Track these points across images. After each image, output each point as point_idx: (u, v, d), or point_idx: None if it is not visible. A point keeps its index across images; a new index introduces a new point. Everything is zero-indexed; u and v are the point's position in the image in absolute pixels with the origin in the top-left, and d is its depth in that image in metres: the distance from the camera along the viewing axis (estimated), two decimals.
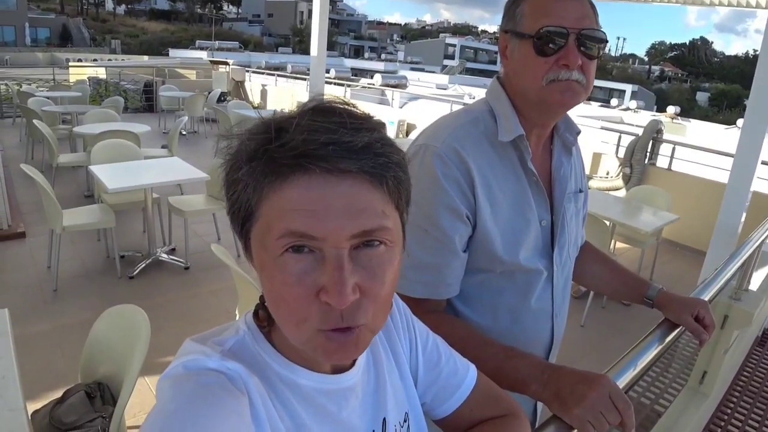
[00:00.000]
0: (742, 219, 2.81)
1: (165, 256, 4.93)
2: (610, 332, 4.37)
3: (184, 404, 0.52)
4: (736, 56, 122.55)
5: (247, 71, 17.24)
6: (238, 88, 16.27)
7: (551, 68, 1.05)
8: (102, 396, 2.09)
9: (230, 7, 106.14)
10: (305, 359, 0.65)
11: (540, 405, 1.31)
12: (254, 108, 12.69)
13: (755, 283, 3.14)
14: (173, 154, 6.72)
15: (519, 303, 1.20)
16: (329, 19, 5.69)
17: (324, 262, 0.55)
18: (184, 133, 11.29)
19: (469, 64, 58.79)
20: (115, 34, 74.92)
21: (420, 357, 0.83)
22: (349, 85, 16.44)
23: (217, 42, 44.57)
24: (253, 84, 16.42)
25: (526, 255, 1.16)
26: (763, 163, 2.96)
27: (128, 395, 1.91)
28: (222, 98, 13.34)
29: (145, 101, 14.37)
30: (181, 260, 4.90)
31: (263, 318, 0.66)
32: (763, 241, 2.39)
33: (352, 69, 31.00)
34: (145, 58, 28.68)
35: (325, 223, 0.54)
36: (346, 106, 0.59)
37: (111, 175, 4.49)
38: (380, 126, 0.60)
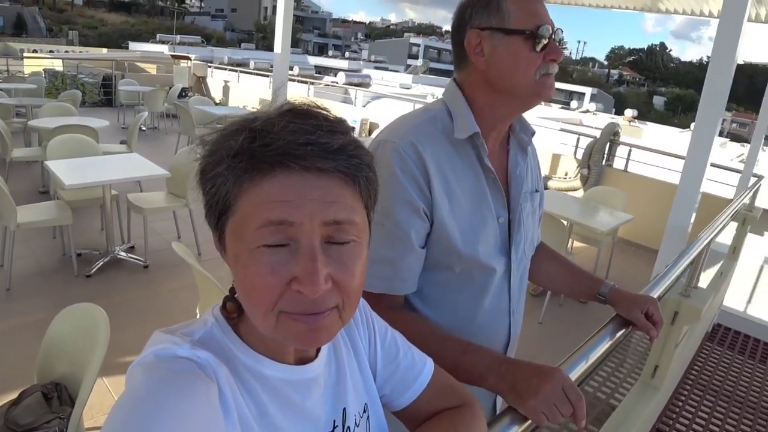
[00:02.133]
0: (692, 219, 2.91)
1: (123, 254, 4.84)
2: (567, 329, 4.47)
3: (154, 390, 0.54)
4: (691, 62, 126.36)
5: (210, 66, 17.00)
6: (200, 84, 16.04)
7: (542, 63, 1.11)
8: (59, 397, 2.05)
9: (193, 0, 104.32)
10: (271, 350, 0.68)
11: (500, 400, 1.35)
12: (216, 104, 12.53)
13: (704, 280, 3.25)
14: (132, 150, 6.58)
15: (477, 301, 1.23)
16: (294, 16, 5.67)
17: (298, 254, 0.58)
18: (143, 128, 11.08)
19: (433, 64, 59.04)
20: (73, 25, 72.88)
21: (379, 350, 0.86)
22: (312, 83, 16.35)
23: (178, 36, 43.71)
24: (216, 80, 16.20)
25: (484, 251, 1.19)
26: (713, 165, 3.07)
27: (87, 395, 1.88)
28: (183, 94, 13.13)
29: (104, 95, 14.03)
30: (140, 259, 4.82)
31: (232, 309, 0.68)
32: (711, 240, 2.49)
33: (316, 67, 30.81)
34: (104, 50, 27.93)
35: (302, 210, 0.57)
36: (321, 110, 0.64)
37: (68, 171, 4.38)
38: (351, 129, 0.65)
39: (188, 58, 17.50)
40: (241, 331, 0.68)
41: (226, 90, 15.40)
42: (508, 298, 1.28)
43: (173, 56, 19.06)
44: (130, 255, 4.88)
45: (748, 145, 6.97)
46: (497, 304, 1.27)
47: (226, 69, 18.00)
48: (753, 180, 5.84)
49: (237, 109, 10.82)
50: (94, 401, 2.82)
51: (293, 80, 15.90)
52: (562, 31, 1.14)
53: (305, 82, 15.87)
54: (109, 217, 4.73)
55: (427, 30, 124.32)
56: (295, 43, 69.27)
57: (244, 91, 14.87)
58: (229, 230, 0.62)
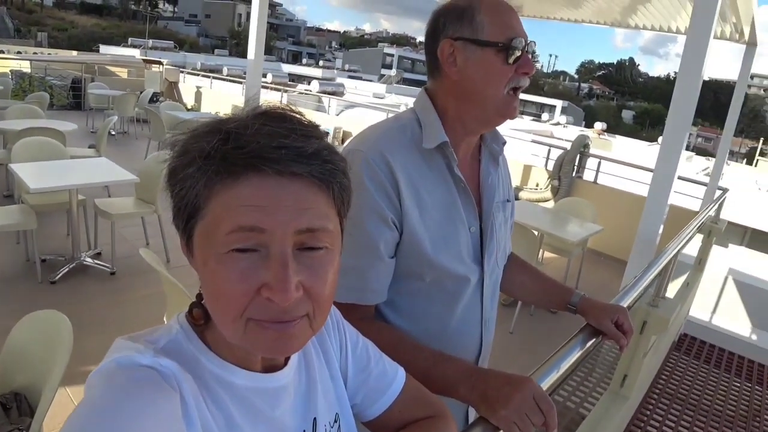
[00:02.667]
0: (660, 230, 2.95)
1: (90, 260, 4.73)
2: (538, 338, 4.50)
3: (113, 399, 0.52)
4: (659, 77, 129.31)
5: (182, 72, 16.82)
6: (172, 89, 15.85)
7: (513, 76, 1.12)
8: (19, 407, 1.99)
9: (166, 5, 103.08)
10: (239, 358, 0.66)
11: (472, 411, 1.34)
12: (188, 110, 12.39)
13: (672, 290, 3.31)
14: (101, 155, 6.46)
15: (449, 311, 1.22)
16: (268, 23, 5.65)
17: (269, 260, 0.57)
18: (113, 133, 10.89)
19: (407, 75, 59.40)
20: (42, 26, 71.34)
21: (350, 359, 0.84)
22: (286, 91, 16.28)
23: (150, 40, 43.12)
24: (188, 85, 16.03)
25: (455, 260, 1.19)
26: (680, 178, 3.13)
27: (47, 406, 1.82)
28: (154, 98, 12.93)
29: (73, 98, 13.76)
30: (107, 265, 4.72)
31: (199, 316, 0.66)
32: (678, 251, 2.53)
33: (289, 74, 30.72)
34: (74, 53, 27.44)
35: (274, 217, 0.56)
36: (295, 114, 0.63)
37: (33, 175, 4.27)
38: (324, 135, 0.64)
39: (160, 63, 17.28)
40: (208, 338, 0.66)
41: (198, 96, 15.25)
42: (480, 307, 1.28)
43: (145, 60, 18.78)
44: (96, 261, 4.78)
45: (713, 159, 7.15)
46: (469, 314, 1.26)
47: (198, 75, 17.85)
48: (718, 193, 5.98)
49: (209, 115, 10.67)
50: (55, 411, 2.72)
51: (266, 87, 15.83)
52: (535, 44, 1.14)
53: (279, 90, 15.81)
54: (76, 223, 4.62)
55: (401, 40, 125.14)
56: (269, 50, 68.98)
57: (216, 97, 14.74)
58: (198, 234, 0.60)
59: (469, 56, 1.12)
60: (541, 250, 5.22)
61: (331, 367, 0.81)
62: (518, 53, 1.11)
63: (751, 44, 5.71)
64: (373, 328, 1.09)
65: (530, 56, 1.13)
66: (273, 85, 16.90)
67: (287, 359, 0.73)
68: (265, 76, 18.45)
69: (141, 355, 0.59)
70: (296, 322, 0.59)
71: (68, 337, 1.91)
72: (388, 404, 0.86)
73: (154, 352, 0.60)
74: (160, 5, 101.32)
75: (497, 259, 1.31)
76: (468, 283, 1.22)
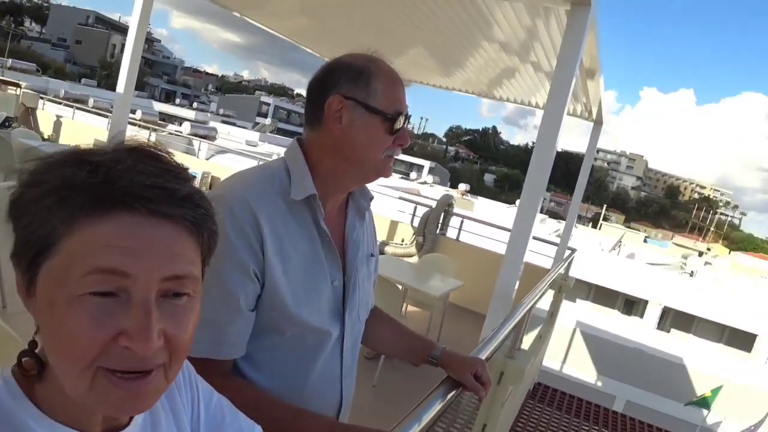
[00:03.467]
0: (516, 286, 3.12)
1: None
2: (401, 391, 4.53)
3: None
4: (518, 146, 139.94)
5: (42, 98, 15.65)
6: (28, 115, 14.60)
7: (391, 146, 1.17)
8: None
9: (33, 23, 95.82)
10: (75, 418, 0.58)
11: None
12: (44, 140, 11.48)
13: (527, 342, 3.49)
14: None
15: (308, 366, 1.20)
16: (143, 58, 5.44)
17: (129, 306, 0.53)
18: None
19: (282, 125, 59.30)
20: None
21: (202, 417, 0.79)
22: (155, 130, 15.66)
23: (10, 60, 39.78)
24: (47, 113, 14.91)
25: (317, 315, 1.17)
26: (534, 238, 3.36)
27: None
28: (6, 123, 11.85)
29: None
30: None
31: (31, 366, 0.59)
32: (533, 305, 2.69)
33: (160, 113, 29.58)
34: None
35: (141, 261, 0.53)
36: (166, 154, 0.60)
37: None
38: (192, 179, 0.62)
39: (18, 85, 15.95)
40: (38, 395, 0.58)
41: (57, 125, 14.18)
42: (340, 362, 1.26)
43: (0, 81, 17.28)
44: None
45: (564, 222, 7.76)
46: (329, 369, 1.24)
47: (61, 103, 16.71)
48: (568, 252, 6.50)
49: (68, 148, 9.94)
50: None
51: (135, 124, 15.13)
52: (410, 117, 1.20)
53: (147, 128, 15.15)
54: None
55: (279, 90, 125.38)
56: (142, 86, 66.08)
57: (78, 129, 13.80)
58: (46, 273, 0.54)
59: (357, 118, 1.14)
60: (404, 304, 5.34)
61: (180, 427, 0.75)
62: (399, 126, 1.16)
63: (598, 122, 6.36)
64: (229, 384, 1.03)
65: (408, 128, 1.20)
66: (142, 123, 16.19)
67: (131, 418, 0.66)
68: (134, 112, 17.67)
69: None
70: (153, 374, 0.55)
71: None
72: None
73: None
74: (26, 23, 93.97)
75: (359, 313, 1.31)
76: (329, 338, 1.21)
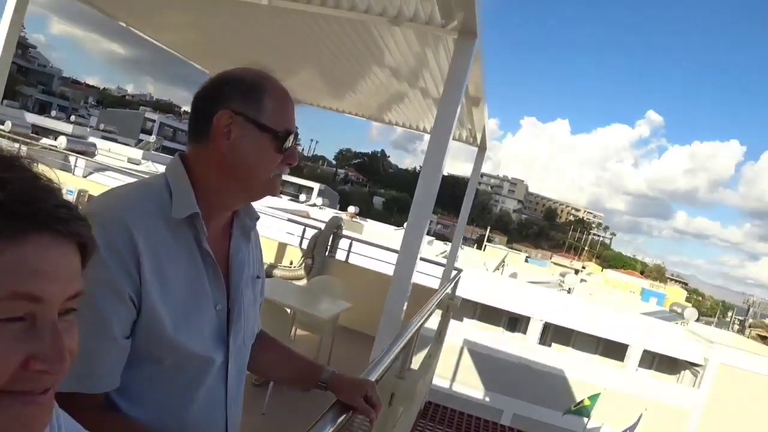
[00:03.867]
0: (405, 307, 3.16)
1: None
2: (291, 418, 4.41)
3: None
4: (406, 170, 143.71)
5: None
6: None
7: (279, 164, 1.14)
8: None
9: None
10: None
11: None
12: None
13: (416, 362, 3.54)
14: None
15: (189, 396, 1.11)
16: (15, 64, 5.03)
17: (36, 329, 0.50)
18: None
19: (168, 143, 56.86)
20: None
21: None
22: (26, 143, 14.45)
23: None
24: None
25: (198, 341, 1.09)
26: (422, 259, 3.43)
27: None
28: None
29: None
30: None
31: None
32: (421, 325, 2.74)
33: (33, 126, 27.41)
34: None
35: (53, 284, 0.51)
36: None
37: None
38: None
39: None
40: None
41: None
42: (224, 391, 1.19)
43: None
44: None
45: (450, 244, 8.01)
46: (213, 399, 1.16)
47: None
48: (454, 273, 6.69)
49: None
50: None
51: (2, 136, 13.92)
52: (300, 137, 1.20)
53: (17, 141, 13.95)
54: None
55: (165, 107, 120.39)
56: (13, 95, 60.73)
57: None
58: None
59: (246, 134, 1.11)
60: (293, 328, 5.24)
61: None
62: (290, 145, 1.14)
63: (482, 148, 6.65)
64: (101, 420, 0.95)
65: (297, 147, 1.18)
66: (11, 135, 14.92)
67: None
68: (2, 123, 16.27)
69: None
70: (50, 390, 0.53)
71: None
72: None
73: None
74: None
75: (245, 338, 1.24)
76: (212, 366, 1.13)
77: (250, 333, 1.29)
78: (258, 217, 1.30)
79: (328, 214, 19.71)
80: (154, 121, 71.67)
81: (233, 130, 1.10)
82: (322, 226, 8.61)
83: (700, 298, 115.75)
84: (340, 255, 8.55)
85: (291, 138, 1.14)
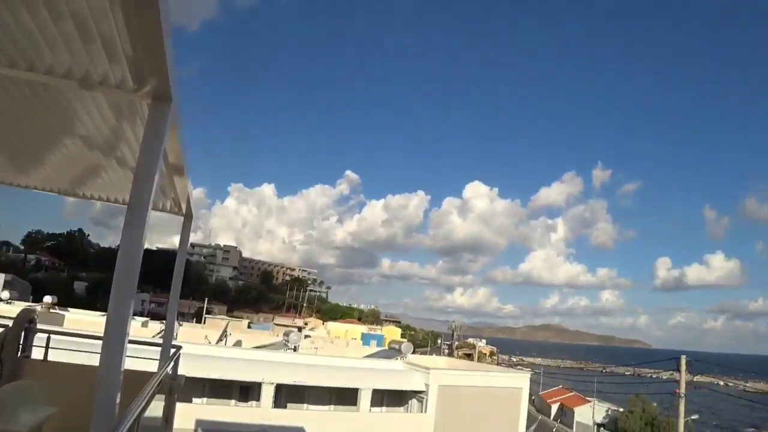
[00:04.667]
0: (118, 398, 2.84)
1: None
2: None
3: None
4: (110, 248, 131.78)
5: None
6: None
7: None
8: None
9: None
10: None
11: None
12: None
13: None
14: None
15: None
16: None
17: None
18: None
19: None
20: None
21: None
22: None
23: None
24: None
25: None
26: (133, 342, 3.14)
27: None
28: None
29: None
30: None
31: None
32: (140, 414, 2.48)
33: None
34: None
35: None
36: None
37: None
38: None
39: None
40: None
41: None
42: None
43: None
44: None
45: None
46: None
47: None
48: (173, 351, 6.27)
49: None
50: None
51: None
52: None
53: None
54: None
55: None
56: None
57: None
58: None
59: None
60: None
61: None
62: None
63: (188, 217, 6.43)
64: None
65: None
66: None
67: None
68: None
69: None
70: None
71: None
72: None
73: None
74: None
75: None
76: None
77: None
78: None
79: (19, 307, 17.21)
80: None
81: None
82: (9, 323, 7.42)
83: (413, 332, 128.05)
84: (37, 353, 7.44)
85: None
